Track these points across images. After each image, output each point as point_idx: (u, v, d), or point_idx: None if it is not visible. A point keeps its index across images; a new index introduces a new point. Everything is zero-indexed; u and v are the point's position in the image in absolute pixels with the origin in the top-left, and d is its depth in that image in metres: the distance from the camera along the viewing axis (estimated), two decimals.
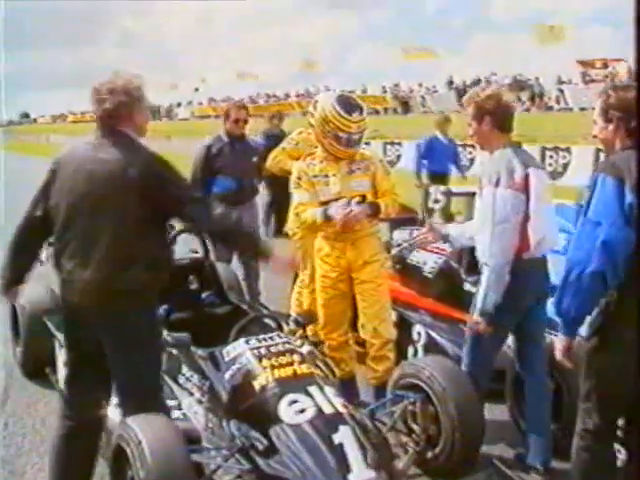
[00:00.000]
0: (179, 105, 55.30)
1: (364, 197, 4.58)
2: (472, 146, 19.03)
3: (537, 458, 3.84)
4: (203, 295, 4.63)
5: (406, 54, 34.61)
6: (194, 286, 4.64)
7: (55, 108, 72.96)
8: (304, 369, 3.54)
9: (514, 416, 4.28)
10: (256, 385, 3.46)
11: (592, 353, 3.04)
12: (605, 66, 29.67)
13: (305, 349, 3.99)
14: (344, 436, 3.13)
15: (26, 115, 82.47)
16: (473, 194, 4.18)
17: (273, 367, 3.52)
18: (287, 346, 3.68)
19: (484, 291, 3.69)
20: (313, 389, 3.40)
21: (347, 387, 4.57)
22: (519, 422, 4.23)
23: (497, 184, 3.67)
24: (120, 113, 3.21)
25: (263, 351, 3.62)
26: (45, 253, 5.84)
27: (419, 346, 5.16)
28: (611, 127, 3.03)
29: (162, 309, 4.31)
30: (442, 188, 7.22)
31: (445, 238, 4.38)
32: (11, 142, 45.53)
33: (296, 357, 3.60)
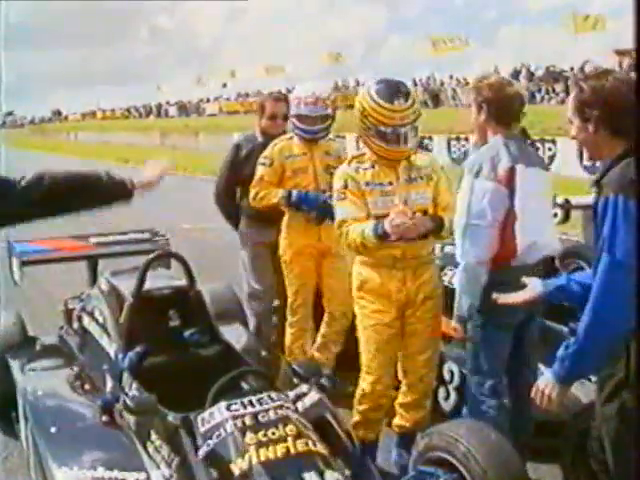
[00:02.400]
0: (208, 101, 54.65)
1: (425, 213, 3.64)
2: (553, 141, 18.08)
3: None
4: (186, 333, 3.78)
5: (436, 47, 33.77)
6: (175, 322, 3.79)
7: (86, 105, 72.92)
8: (300, 447, 2.70)
9: None
10: (236, 470, 2.64)
11: (616, 420, 2.56)
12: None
13: (309, 400, 3.17)
14: None
15: (58, 112, 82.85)
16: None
17: (260, 444, 2.69)
18: (280, 413, 2.85)
19: (457, 295, 3.45)
20: (310, 476, 2.58)
21: (367, 451, 3.67)
22: None
23: (477, 175, 3.34)
24: None
25: (248, 421, 2.79)
26: (18, 274, 5.17)
27: (451, 388, 4.30)
28: (590, 127, 2.54)
29: (134, 352, 3.54)
30: (559, 199, 6.20)
31: None
32: (39, 140, 45.39)
33: (291, 429, 2.77)
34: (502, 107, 3.44)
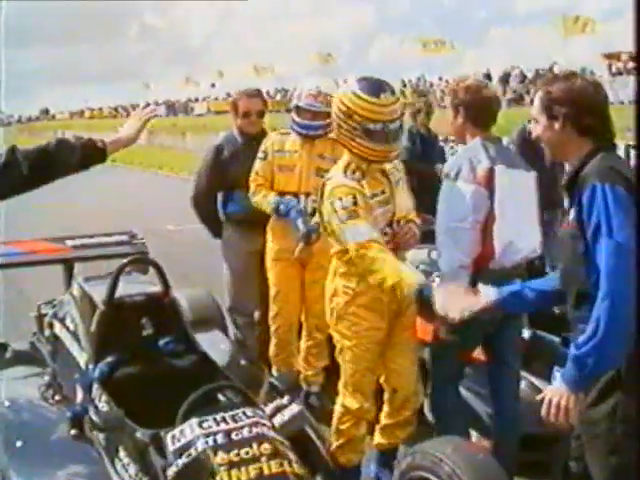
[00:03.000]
0: (196, 100, 54.42)
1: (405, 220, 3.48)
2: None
3: None
4: (160, 342, 3.60)
5: (426, 48, 33.76)
6: (148, 331, 3.61)
7: (75, 104, 72.93)
8: (274, 467, 2.56)
9: None
10: None
11: (606, 422, 2.40)
12: (632, 59, 28.51)
13: (289, 412, 3.01)
14: None
15: (46, 111, 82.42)
16: None
17: (232, 465, 2.54)
18: (254, 430, 2.69)
19: None
20: None
21: (350, 477, 3.54)
22: None
23: (456, 177, 3.34)
24: None
25: (220, 439, 2.64)
26: None
27: None
28: (557, 125, 2.53)
29: (105, 363, 3.38)
30: None
31: None
32: (27, 138, 45.13)
33: (265, 448, 2.62)
34: (479, 109, 3.48)
